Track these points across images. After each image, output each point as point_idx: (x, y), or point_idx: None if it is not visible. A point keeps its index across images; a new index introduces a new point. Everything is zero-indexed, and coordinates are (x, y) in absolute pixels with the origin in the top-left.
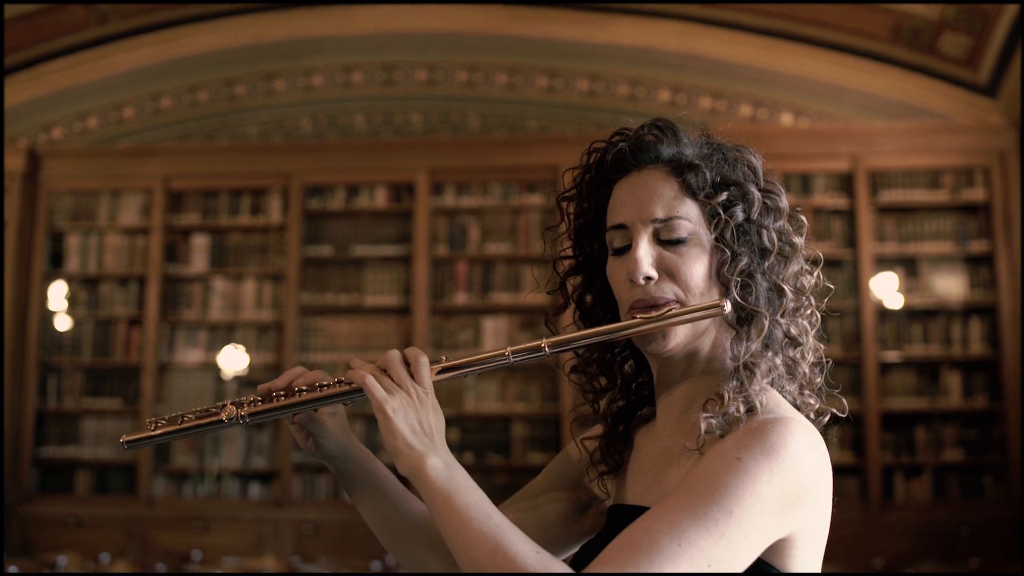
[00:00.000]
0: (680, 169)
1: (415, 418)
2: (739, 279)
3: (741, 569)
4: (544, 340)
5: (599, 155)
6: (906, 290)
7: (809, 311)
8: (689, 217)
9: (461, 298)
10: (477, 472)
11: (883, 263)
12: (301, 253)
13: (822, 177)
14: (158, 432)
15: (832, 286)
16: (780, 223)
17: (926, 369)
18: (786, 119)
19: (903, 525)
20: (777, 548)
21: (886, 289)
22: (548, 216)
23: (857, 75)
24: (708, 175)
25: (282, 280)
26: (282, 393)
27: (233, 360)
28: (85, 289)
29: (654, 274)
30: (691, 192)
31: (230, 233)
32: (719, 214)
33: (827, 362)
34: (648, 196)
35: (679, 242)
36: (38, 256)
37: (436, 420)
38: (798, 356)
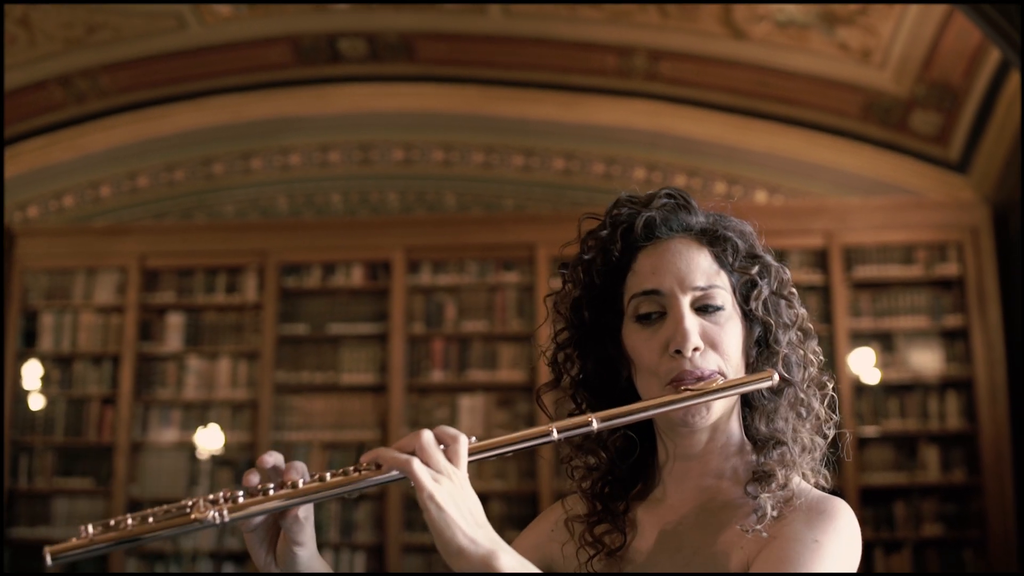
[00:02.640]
0: (713, 240)
1: (466, 508)
2: (784, 350)
3: None
4: (592, 415)
5: (625, 222)
6: (882, 365)
7: (830, 385)
8: (724, 287)
9: (437, 376)
10: None
11: (859, 338)
12: (277, 331)
13: (797, 253)
14: (99, 543)
15: (823, 358)
16: (790, 295)
17: (904, 444)
18: (760, 196)
19: None
20: None
21: (862, 364)
22: (524, 294)
23: (829, 152)
24: (740, 246)
25: (257, 358)
26: (269, 487)
27: (208, 439)
28: (58, 368)
29: (701, 344)
30: (722, 263)
31: (205, 312)
32: (753, 286)
33: (846, 434)
34: (687, 264)
35: (716, 312)
36: (11, 335)
37: (480, 507)
38: (816, 432)
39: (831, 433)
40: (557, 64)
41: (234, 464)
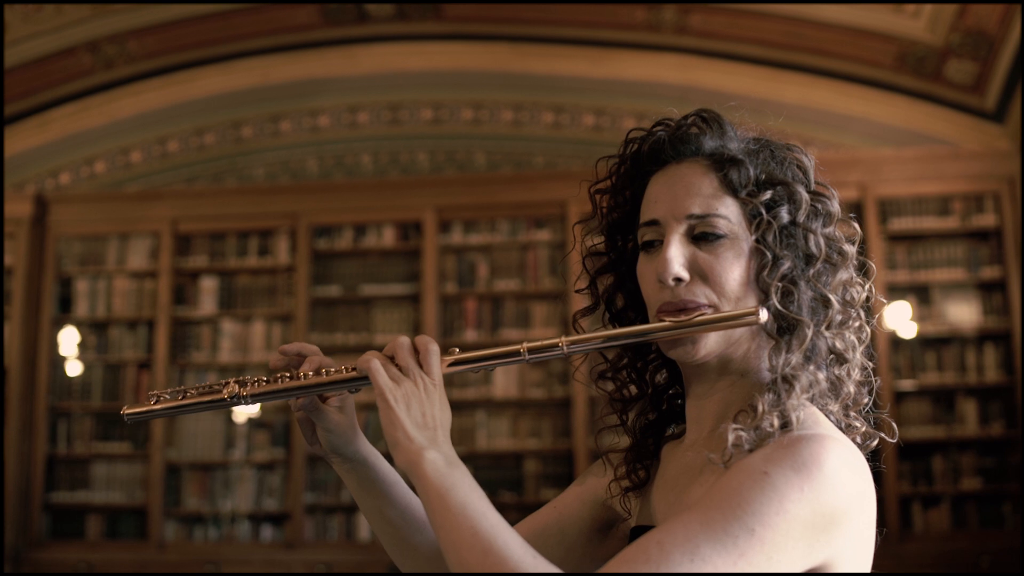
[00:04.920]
0: (722, 164)
1: (419, 410)
2: (780, 285)
3: None
4: (563, 338)
5: (636, 145)
6: (919, 318)
7: (857, 324)
8: (728, 216)
9: (471, 335)
10: None
11: (895, 291)
12: (309, 294)
13: None
14: (159, 407)
15: (885, 300)
16: (829, 229)
17: (941, 397)
18: None
19: (922, 556)
20: None
21: (899, 318)
22: (556, 251)
23: (863, 103)
24: (752, 171)
25: (291, 321)
26: (287, 375)
27: None
28: (94, 333)
29: (685, 275)
30: (732, 189)
31: (238, 275)
32: (761, 214)
33: (876, 381)
34: (684, 190)
35: (715, 242)
36: (47, 301)
37: (442, 414)
38: (843, 374)
39: (856, 375)
40: (585, 19)
41: (270, 427)
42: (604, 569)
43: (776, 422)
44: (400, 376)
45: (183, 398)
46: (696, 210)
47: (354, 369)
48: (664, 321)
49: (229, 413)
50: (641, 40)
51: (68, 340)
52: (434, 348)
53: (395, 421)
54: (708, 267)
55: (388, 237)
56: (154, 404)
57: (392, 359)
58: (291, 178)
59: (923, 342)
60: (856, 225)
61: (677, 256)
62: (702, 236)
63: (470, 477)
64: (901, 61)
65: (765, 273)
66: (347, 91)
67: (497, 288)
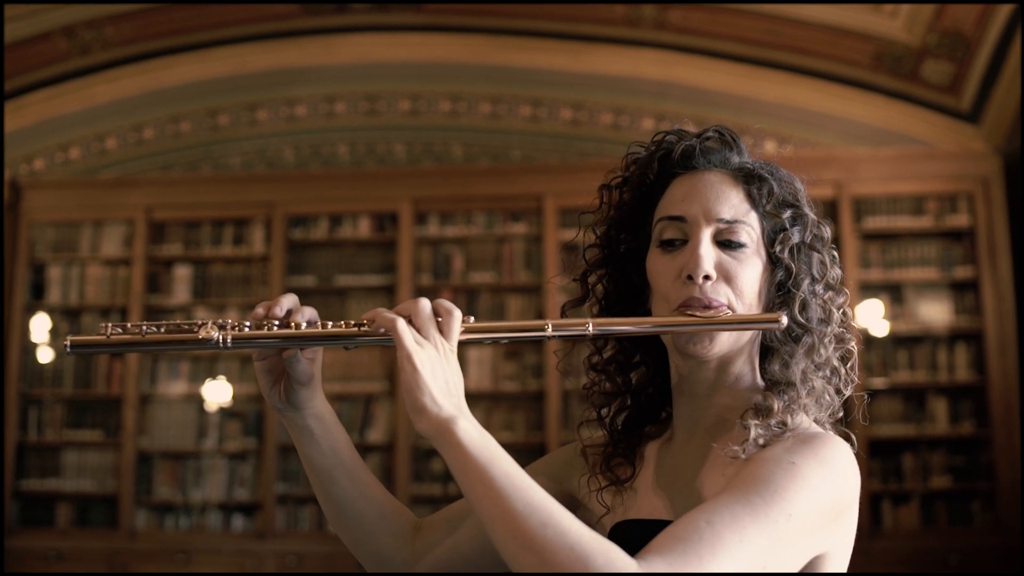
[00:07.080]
0: (748, 178)
1: (442, 376)
2: (803, 296)
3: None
4: (590, 320)
5: (664, 148)
6: (891, 317)
7: (851, 342)
8: (752, 227)
9: None
10: None
11: (868, 290)
12: (284, 283)
13: None
14: (114, 340)
15: (856, 324)
16: (824, 251)
17: (912, 396)
18: (770, 146)
19: (891, 553)
20: (810, 567)
21: (871, 316)
22: (532, 245)
23: (840, 102)
24: (776, 190)
25: None
26: (275, 323)
27: (217, 391)
28: (66, 320)
29: (714, 274)
30: (754, 203)
31: (212, 264)
32: (781, 230)
33: (866, 398)
34: (716, 195)
35: (739, 247)
36: (19, 288)
37: (460, 381)
38: (833, 385)
39: (848, 391)
40: (565, 13)
41: (243, 416)
42: (654, 544)
43: (789, 421)
44: (422, 339)
45: (144, 334)
46: (726, 215)
47: (356, 325)
48: (687, 315)
49: (201, 401)
50: (620, 35)
51: (40, 327)
52: (457, 314)
53: (421, 386)
54: (733, 270)
55: (364, 228)
56: (108, 336)
57: (408, 320)
58: (267, 167)
59: (895, 340)
60: (835, 253)
61: (708, 255)
62: (727, 242)
63: (502, 448)
64: (878, 61)
65: (790, 283)
66: (325, 81)
67: (472, 280)
